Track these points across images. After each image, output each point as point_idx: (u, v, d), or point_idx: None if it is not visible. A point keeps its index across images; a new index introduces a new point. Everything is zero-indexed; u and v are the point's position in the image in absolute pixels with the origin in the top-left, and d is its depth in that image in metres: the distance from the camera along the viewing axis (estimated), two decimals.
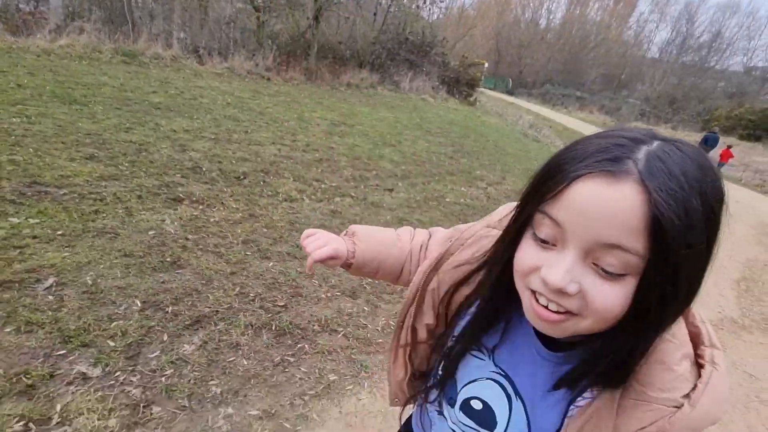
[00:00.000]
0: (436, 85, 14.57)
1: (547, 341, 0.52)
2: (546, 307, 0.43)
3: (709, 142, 11.27)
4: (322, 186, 4.10)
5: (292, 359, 1.94)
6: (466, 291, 0.60)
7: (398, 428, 0.84)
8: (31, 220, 2.45)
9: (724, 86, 38.01)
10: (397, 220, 3.76)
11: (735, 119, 24.49)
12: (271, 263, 2.63)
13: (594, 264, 0.40)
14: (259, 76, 9.89)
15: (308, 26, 11.49)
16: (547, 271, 0.41)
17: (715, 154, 11.80)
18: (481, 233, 0.62)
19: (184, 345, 1.85)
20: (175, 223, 2.80)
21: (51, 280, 2.01)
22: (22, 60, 6.35)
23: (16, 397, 1.44)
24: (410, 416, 0.83)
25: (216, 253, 2.59)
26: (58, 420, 1.41)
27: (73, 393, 1.51)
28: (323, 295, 2.46)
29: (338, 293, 2.52)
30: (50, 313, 1.82)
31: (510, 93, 33.68)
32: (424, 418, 0.74)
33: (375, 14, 14.07)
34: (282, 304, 2.28)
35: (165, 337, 1.86)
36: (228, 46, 11.27)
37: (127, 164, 3.43)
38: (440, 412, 0.68)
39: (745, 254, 5.27)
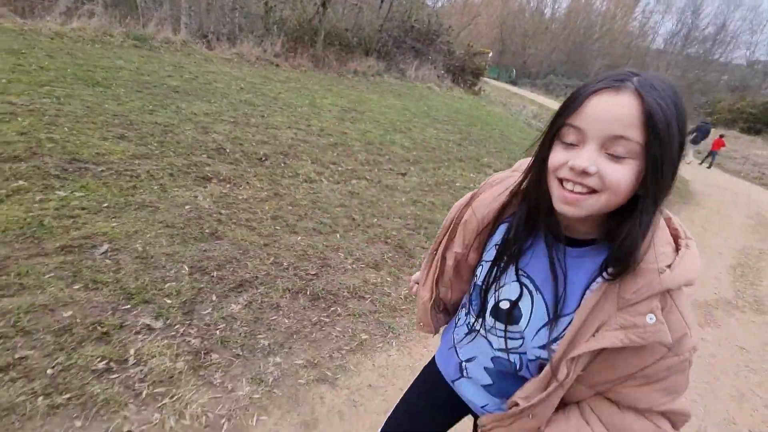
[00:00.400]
0: (442, 74, 14.62)
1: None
2: (571, 191, 0.59)
3: (701, 131, 11.45)
4: (339, 169, 4.27)
5: (327, 320, 2.14)
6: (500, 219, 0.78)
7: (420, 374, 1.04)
8: (77, 194, 2.63)
9: (728, 79, 37.90)
10: (411, 201, 3.94)
11: (736, 112, 24.53)
12: (299, 237, 2.82)
13: (606, 153, 0.56)
14: (267, 62, 9.96)
15: (315, 12, 11.50)
16: (574, 160, 0.58)
17: (706, 144, 12.00)
18: (505, 175, 0.80)
19: (232, 305, 2.04)
20: (208, 200, 2.98)
21: (105, 246, 2.19)
22: (37, 42, 6.45)
23: (94, 342, 1.63)
24: (432, 359, 1.01)
25: (248, 227, 2.77)
26: (134, 361, 1.60)
27: (142, 340, 1.70)
28: (349, 267, 2.65)
29: (363, 265, 2.71)
30: (111, 274, 2.01)
31: (513, 83, 33.57)
32: (452, 342, 0.91)
33: (381, 1, 14.05)
34: (313, 272, 2.48)
35: (214, 297, 2.05)
36: (235, 31, 11.30)
37: (156, 144, 3.60)
38: (469, 331, 0.85)
39: (741, 242, 5.47)
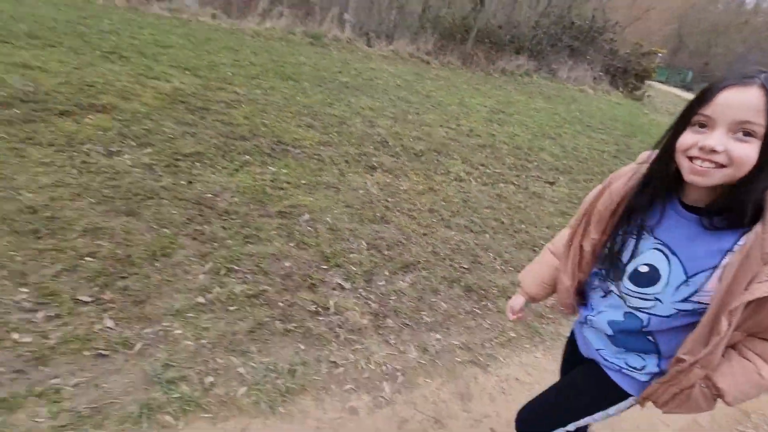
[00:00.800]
0: (599, 76, 13.36)
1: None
2: (701, 166, 0.72)
3: None
4: (487, 171, 4.40)
5: (479, 312, 2.35)
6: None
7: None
8: (283, 170, 3.30)
9: None
10: (560, 213, 3.88)
11: None
12: (453, 232, 3.07)
13: (733, 135, 0.70)
14: (419, 60, 10.45)
15: (472, 9, 11.56)
16: (704, 141, 0.72)
17: None
18: (634, 167, 0.92)
19: (400, 281, 2.40)
20: (375, 187, 3.43)
21: (307, 216, 2.75)
22: (244, 40, 7.91)
23: (306, 289, 2.13)
24: (570, 337, 1.20)
25: (410, 216, 3.13)
26: (333, 310, 2.04)
27: (337, 296, 2.15)
28: (498, 267, 2.81)
29: (511, 268, 2.83)
30: (312, 239, 2.53)
31: (688, 88, 28.56)
32: (587, 310, 1.03)
33: None
34: (466, 267, 2.70)
35: (386, 272, 2.43)
36: (392, 29, 12.06)
37: (335, 134, 4.22)
38: (605, 295, 0.97)
39: None
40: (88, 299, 1.74)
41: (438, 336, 2.09)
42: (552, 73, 12.45)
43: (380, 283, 2.33)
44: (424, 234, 2.93)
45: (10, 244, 1.91)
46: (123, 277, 1.89)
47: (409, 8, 12.88)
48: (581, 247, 0.98)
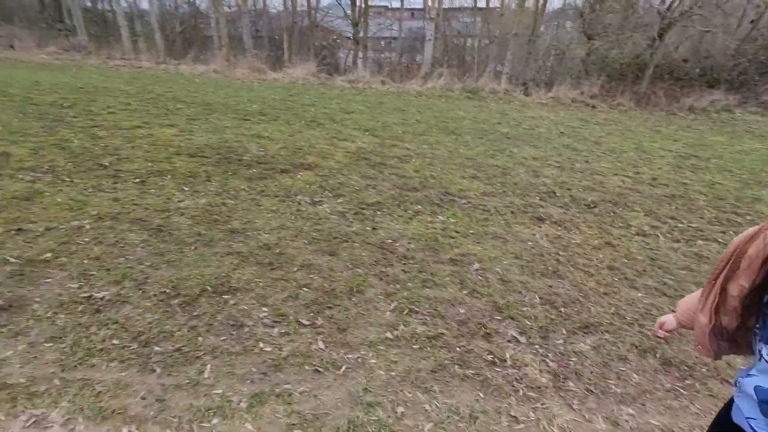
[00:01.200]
0: None
1: None
2: None
3: None
4: (679, 225, 3.81)
5: (683, 391, 2.01)
6: None
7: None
8: (451, 219, 3.50)
9: None
10: None
11: None
12: (640, 294, 2.74)
13: None
14: (583, 104, 9.91)
15: (648, 46, 10.54)
16: None
17: None
18: None
19: (580, 343, 2.24)
20: (544, 239, 3.33)
21: (477, 265, 2.85)
22: (409, 101, 8.83)
23: (482, 338, 2.18)
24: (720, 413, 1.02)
25: (585, 272, 2.92)
26: (510, 363, 2.04)
27: (513, 348, 2.13)
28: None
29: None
30: (484, 288, 2.60)
31: None
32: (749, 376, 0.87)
33: (739, 21, 11.38)
34: (661, 336, 2.36)
35: (564, 331, 2.31)
36: (551, 76, 11.81)
37: (498, 184, 4.30)
38: (760, 357, 0.82)
39: None
40: (307, 322, 2.15)
41: (630, 411, 1.86)
42: (763, 106, 10.20)
43: (558, 341, 2.22)
44: (605, 293, 2.69)
45: (254, 273, 2.51)
46: (329, 307, 2.28)
47: (569, 54, 12.49)
48: (724, 287, 0.89)
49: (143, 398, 1.65)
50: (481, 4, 15.71)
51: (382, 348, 2.04)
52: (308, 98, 8.40)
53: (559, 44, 12.02)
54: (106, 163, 3.94)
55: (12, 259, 2.39)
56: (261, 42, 17.76)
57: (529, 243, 3.23)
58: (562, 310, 2.47)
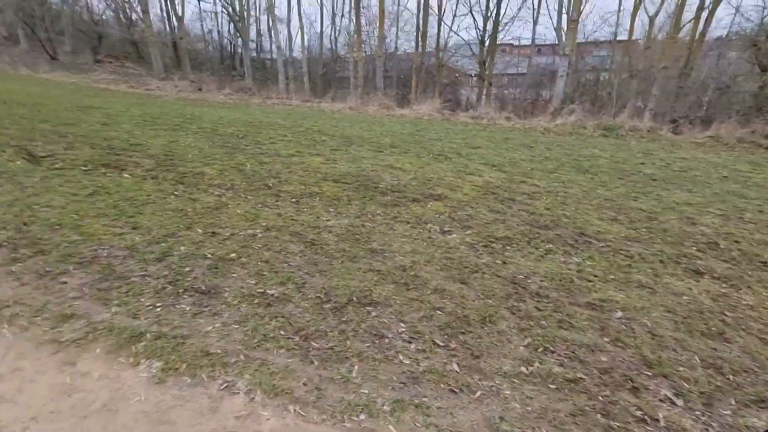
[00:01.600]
0: None
1: None
2: None
3: None
4: None
5: None
6: None
7: None
8: (587, 262, 3.31)
9: None
10: None
11: None
12: None
13: None
14: (753, 145, 8.44)
15: None
16: None
17: None
18: None
19: (754, 418, 1.91)
20: (704, 296, 2.92)
21: (620, 313, 2.64)
22: (536, 137, 8.60)
23: (628, 391, 2.02)
24: None
25: (762, 339, 2.48)
26: (664, 425, 1.84)
27: (668, 410, 1.92)
28: None
29: None
30: (630, 338, 2.40)
31: None
32: None
33: None
34: None
35: (733, 401, 2.00)
36: (711, 113, 10.35)
37: (643, 230, 3.93)
38: None
39: None
40: (441, 343, 2.26)
41: None
42: None
43: (725, 412, 1.93)
44: None
45: (392, 290, 2.73)
46: (462, 333, 2.36)
47: (735, 88, 10.87)
48: None
49: (305, 384, 1.94)
50: (621, 36, 14.72)
51: (516, 381, 2.03)
52: (434, 133, 8.82)
53: (721, 77, 10.54)
54: (270, 184, 4.70)
55: (209, 255, 3.02)
56: (390, 81, 19.28)
57: (685, 297, 2.87)
58: (731, 378, 2.14)
